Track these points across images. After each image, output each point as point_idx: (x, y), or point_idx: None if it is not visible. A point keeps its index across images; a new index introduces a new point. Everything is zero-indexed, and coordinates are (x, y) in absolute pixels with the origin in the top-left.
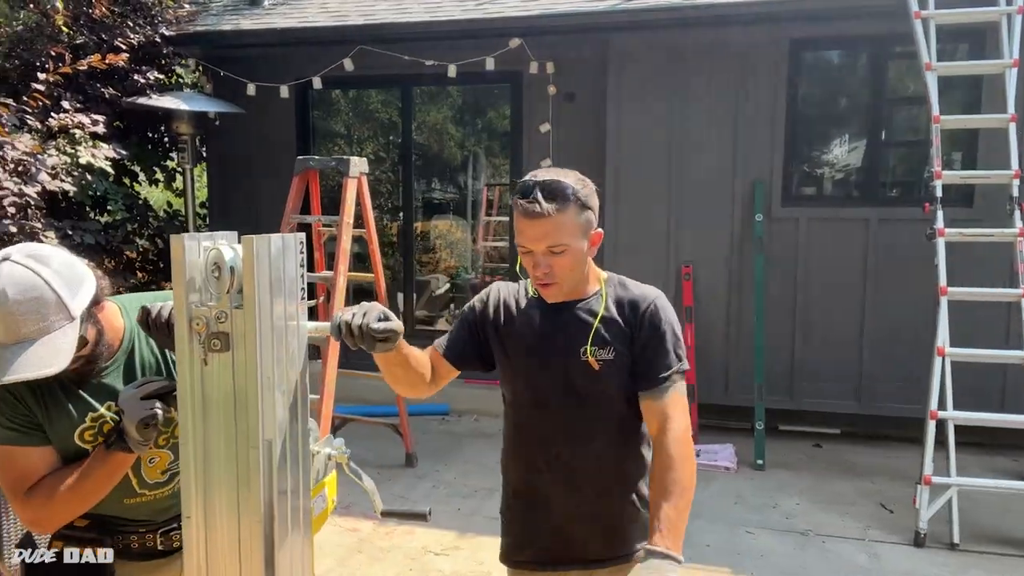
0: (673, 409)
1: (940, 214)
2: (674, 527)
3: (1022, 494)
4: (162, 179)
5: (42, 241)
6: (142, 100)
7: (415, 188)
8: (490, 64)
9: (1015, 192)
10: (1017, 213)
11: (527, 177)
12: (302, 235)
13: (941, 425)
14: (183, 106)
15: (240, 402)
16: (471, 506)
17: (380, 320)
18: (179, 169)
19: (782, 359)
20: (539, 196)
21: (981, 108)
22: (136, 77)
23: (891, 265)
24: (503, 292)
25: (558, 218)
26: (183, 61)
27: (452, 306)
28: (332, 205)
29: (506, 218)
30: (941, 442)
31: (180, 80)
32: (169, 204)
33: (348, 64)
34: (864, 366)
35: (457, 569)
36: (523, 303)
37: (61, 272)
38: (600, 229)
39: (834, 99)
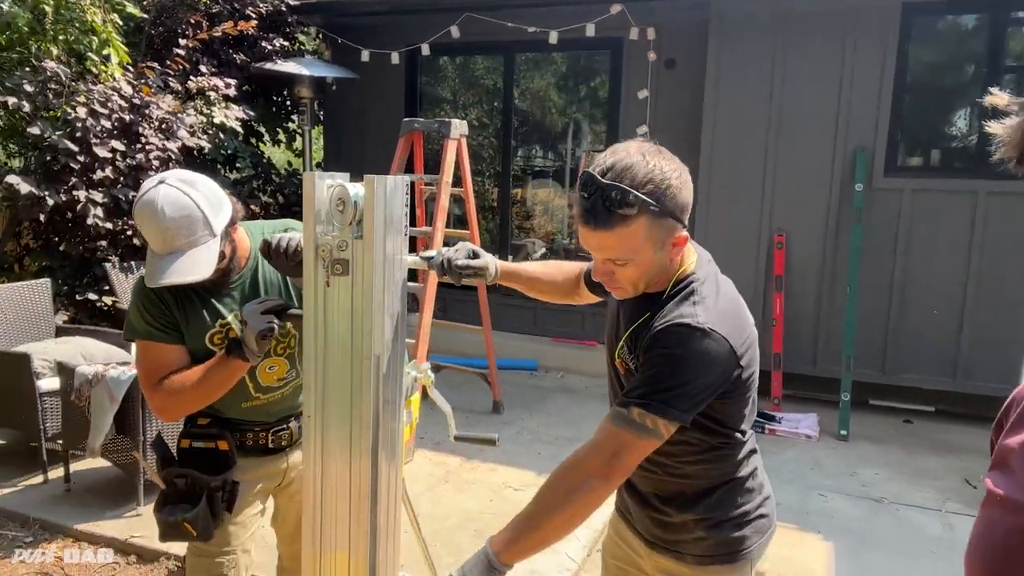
0: (601, 437)
1: None
2: (515, 539)
3: None
4: (283, 140)
5: None
6: (268, 65)
7: (515, 154)
8: (591, 30)
9: None
10: None
11: (594, 164)
12: (408, 177)
13: None
14: (304, 71)
15: (356, 320)
16: (551, 452)
17: (468, 257)
18: (299, 130)
19: (876, 333)
20: (598, 207)
21: None
22: (263, 44)
23: (998, 240)
24: None
25: (621, 232)
26: (305, 29)
27: None
28: (434, 166)
29: None
30: None
31: (302, 47)
32: (289, 163)
33: (455, 31)
34: (963, 343)
35: None
36: None
37: (206, 195)
38: (685, 233)
39: (946, 66)
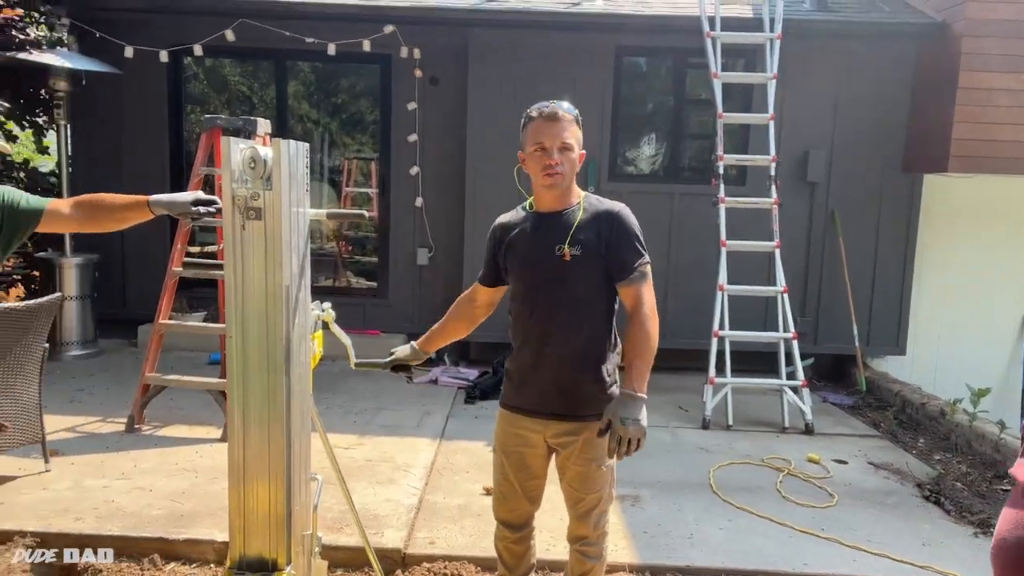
0: (644, 291)
1: (722, 187)
2: (641, 375)
3: (774, 389)
4: (20, 135)
5: None
6: (22, 55)
7: None
8: (367, 46)
9: (772, 172)
10: (773, 188)
11: (539, 104)
12: (307, 144)
13: (720, 341)
14: (65, 63)
15: (268, 257)
16: (364, 420)
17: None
18: (48, 126)
19: None
20: (559, 110)
21: (751, 110)
22: (12, 32)
23: (689, 229)
24: (503, 219)
25: (569, 123)
26: (59, 20)
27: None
28: None
29: (365, 189)
30: (721, 355)
31: (41, 38)
32: (26, 160)
33: (230, 35)
34: (668, 310)
35: (367, 456)
36: (519, 218)
37: None
38: (583, 151)
39: (648, 97)
